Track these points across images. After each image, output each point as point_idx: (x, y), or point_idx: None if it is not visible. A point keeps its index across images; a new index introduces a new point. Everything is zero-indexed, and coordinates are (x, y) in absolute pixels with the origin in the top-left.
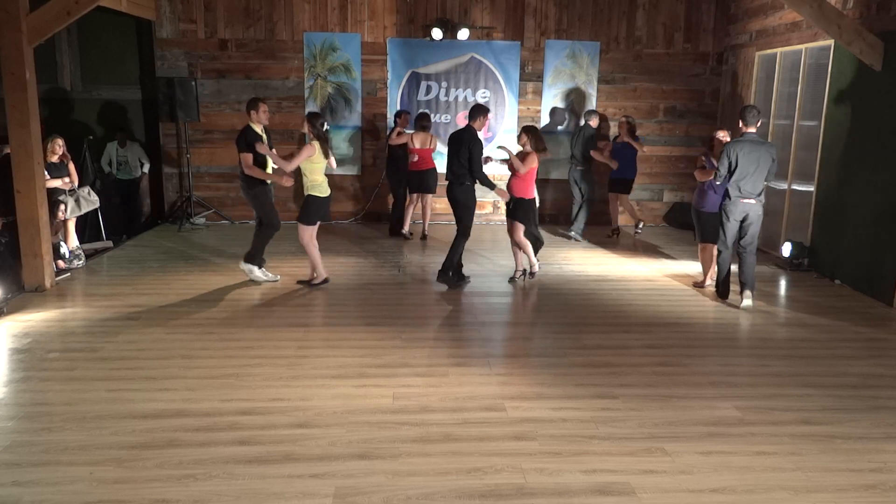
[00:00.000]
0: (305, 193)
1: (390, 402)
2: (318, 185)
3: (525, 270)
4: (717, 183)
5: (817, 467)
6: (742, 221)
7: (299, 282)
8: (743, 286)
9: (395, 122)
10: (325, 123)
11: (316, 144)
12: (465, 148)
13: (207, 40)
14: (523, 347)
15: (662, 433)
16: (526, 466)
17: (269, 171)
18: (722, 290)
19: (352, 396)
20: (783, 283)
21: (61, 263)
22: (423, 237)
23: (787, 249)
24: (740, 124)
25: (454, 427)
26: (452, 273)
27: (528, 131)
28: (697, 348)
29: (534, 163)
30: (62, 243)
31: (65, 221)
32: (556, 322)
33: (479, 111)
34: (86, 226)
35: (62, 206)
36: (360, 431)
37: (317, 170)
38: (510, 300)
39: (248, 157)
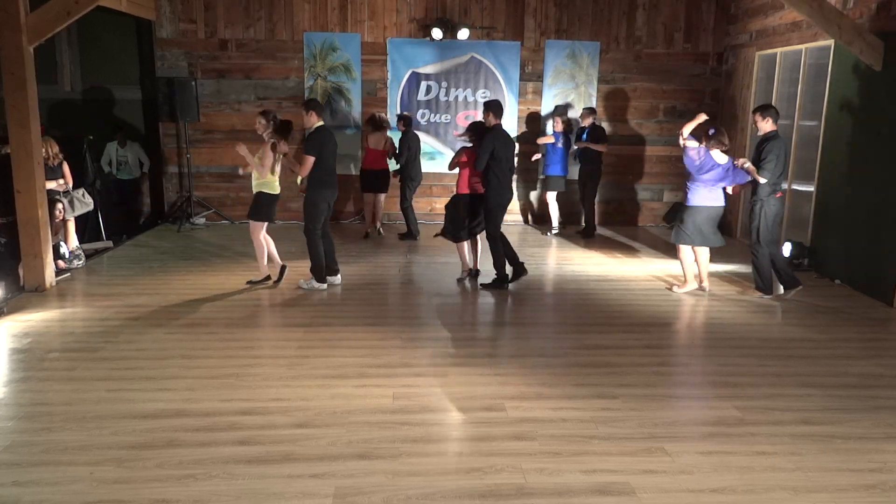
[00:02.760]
0: (257, 191)
1: (390, 402)
2: (272, 183)
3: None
4: (764, 181)
5: (817, 467)
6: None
7: (248, 282)
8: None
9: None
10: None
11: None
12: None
13: (207, 40)
14: (523, 347)
15: (662, 433)
16: (526, 466)
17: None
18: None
19: (352, 396)
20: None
21: (61, 263)
22: (379, 233)
23: (787, 249)
24: (770, 121)
25: (454, 427)
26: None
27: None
28: (697, 348)
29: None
30: (62, 243)
31: (64, 222)
32: (556, 322)
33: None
34: (86, 226)
35: (59, 206)
36: (360, 431)
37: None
38: (510, 300)
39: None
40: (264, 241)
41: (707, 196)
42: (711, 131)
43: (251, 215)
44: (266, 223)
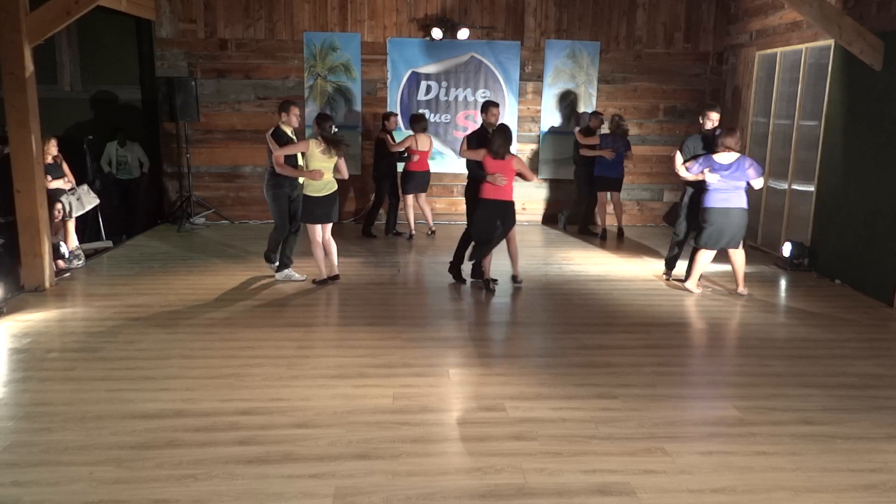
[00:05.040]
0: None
1: (390, 402)
2: (311, 184)
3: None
4: None
5: (817, 467)
6: None
7: (314, 281)
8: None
9: (384, 124)
10: (333, 126)
11: (311, 142)
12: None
13: (207, 40)
14: (523, 347)
15: (662, 433)
16: (526, 466)
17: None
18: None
19: (352, 396)
20: (783, 283)
21: (61, 263)
22: (432, 233)
23: (787, 249)
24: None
25: (454, 427)
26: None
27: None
28: (697, 348)
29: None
30: (62, 243)
31: (64, 221)
32: (556, 322)
33: (482, 108)
34: (86, 226)
35: (59, 206)
36: (360, 431)
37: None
38: (510, 300)
39: (280, 157)
40: (319, 242)
41: (719, 198)
42: (717, 132)
43: (301, 219)
44: (318, 224)
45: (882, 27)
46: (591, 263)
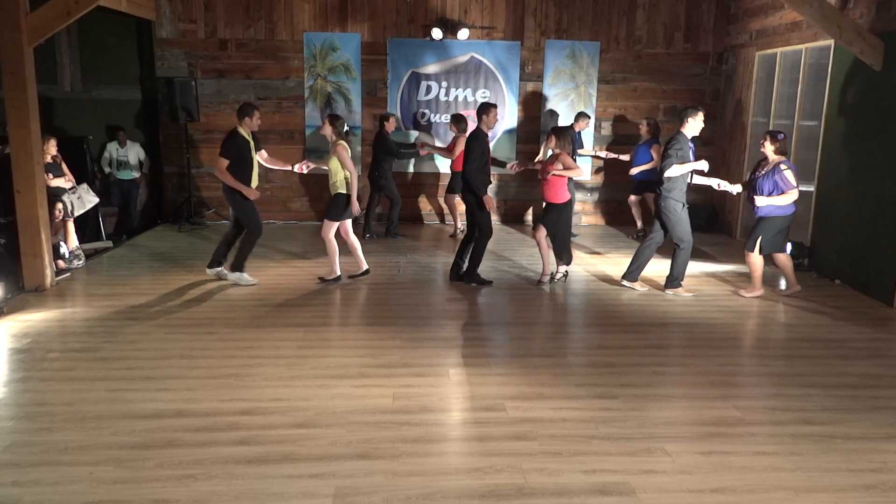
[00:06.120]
0: (334, 192)
1: (390, 402)
2: (344, 182)
3: (552, 275)
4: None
5: (817, 467)
6: None
7: (319, 278)
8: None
9: (382, 124)
10: (346, 124)
11: (344, 143)
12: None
13: (207, 40)
14: (523, 347)
15: (662, 433)
16: (526, 466)
17: (255, 178)
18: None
19: (352, 396)
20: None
21: (61, 263)
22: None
23: (787, 249)
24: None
25: (454, 427)
26: (467, 273)
27: (556, 133)
28: (697, 348)
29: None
30: (62, 243)
31: (64, 221)
32: (555, 322)
33: (481, 109)
34: (86, 226)
35: (59, 206)
36: (360, 431)
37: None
38: (510, 300)
39: (224, 163)
40: (343, 240)
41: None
42: (781, 136)
43: (329, 216)
44: (339, 222)
45: (882, 27)
46: (590, 263)
